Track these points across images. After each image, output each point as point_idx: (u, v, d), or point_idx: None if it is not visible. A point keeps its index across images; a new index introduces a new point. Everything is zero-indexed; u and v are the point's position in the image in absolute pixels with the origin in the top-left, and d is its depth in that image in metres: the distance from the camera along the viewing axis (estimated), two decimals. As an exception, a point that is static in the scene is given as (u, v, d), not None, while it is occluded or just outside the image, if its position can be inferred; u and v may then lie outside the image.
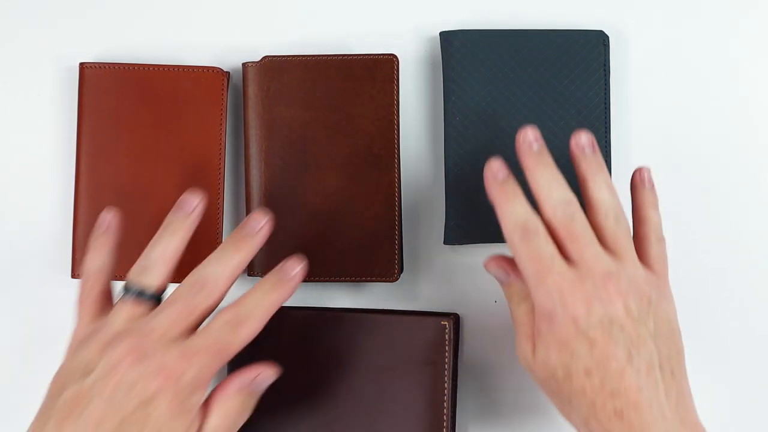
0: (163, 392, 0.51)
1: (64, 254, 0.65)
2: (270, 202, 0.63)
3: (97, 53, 0.66)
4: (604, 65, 0.64)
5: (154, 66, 0.64)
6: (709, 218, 0.66)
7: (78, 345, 0.55)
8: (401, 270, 0.64)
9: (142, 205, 0.62)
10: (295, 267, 0.56)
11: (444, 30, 0.65)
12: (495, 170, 0.57)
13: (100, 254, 0.58)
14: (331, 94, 0.64)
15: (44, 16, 0.66)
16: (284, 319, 0.59)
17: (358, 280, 0.64)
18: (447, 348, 0.61)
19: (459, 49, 0.64)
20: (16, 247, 0.65)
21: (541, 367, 0.54)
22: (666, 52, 0.67)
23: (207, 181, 0.64)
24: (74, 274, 0.64)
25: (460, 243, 0.64)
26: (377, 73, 0.64)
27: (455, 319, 0.62)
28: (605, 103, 0.64)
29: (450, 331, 0.61)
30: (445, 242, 0.64)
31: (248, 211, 0.64)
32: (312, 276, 0.62)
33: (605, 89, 0.64)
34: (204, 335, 0.53)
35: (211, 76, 0.64)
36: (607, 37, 0.64)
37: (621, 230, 0.56)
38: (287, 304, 0.55)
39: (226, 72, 0.65)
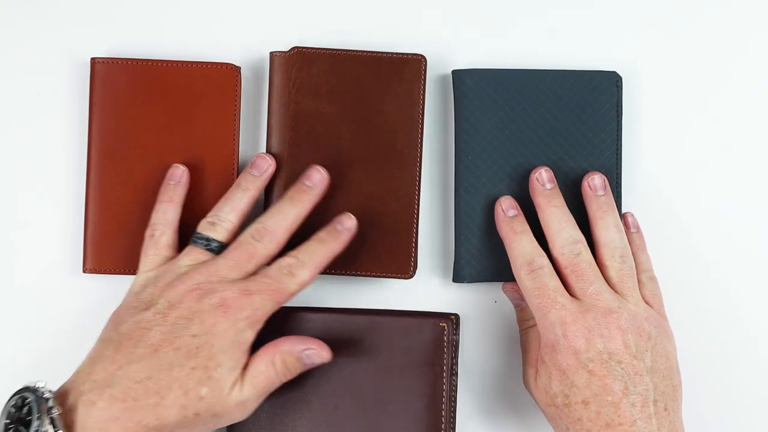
0: (220, 325, 0.55)
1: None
2: None
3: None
4: (617, 106, 0.64)
5: (165, 61, 0.64)
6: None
7: (141, 287, 0.58)
8: (416, 268, 0.64)
9: (154, 202, 0.62)
10: (345, 222, 0.60)
11: (456, 68, 0.65)
12: (505, 207, 0.62)
13: (169, 207, 0.61)
14: (358, 89, 0.64)
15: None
16: (284, 320, 0.60)
17: (374, 276, 0.63)
18: (446, 349, 0.61)
19: (471, 88, 0.64)
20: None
21: (542, 393, 0.57)
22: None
23: (221, 177, 0.63)
24: (86, 269, 0.63)
25: (469, 281, 0.64)
26: (405, 72, 0.64)
27: (455, 319, 0.62)
28: (617, 144, 0.64)
29: (449, 332, 0.61)
30: (454, 280, 0.64)
31: (266, 202, 0.64)
32: (328, 270, 0.61)
33: (617, 130, 0.64)
34: (263, 277, 0.57)
35: (224, 72, 0.64)
36: (620, 78, 0.64)
37: (626, 269, 0.59)
38: (289, 304, 0.58)
39: (238, 67, 0.64)
